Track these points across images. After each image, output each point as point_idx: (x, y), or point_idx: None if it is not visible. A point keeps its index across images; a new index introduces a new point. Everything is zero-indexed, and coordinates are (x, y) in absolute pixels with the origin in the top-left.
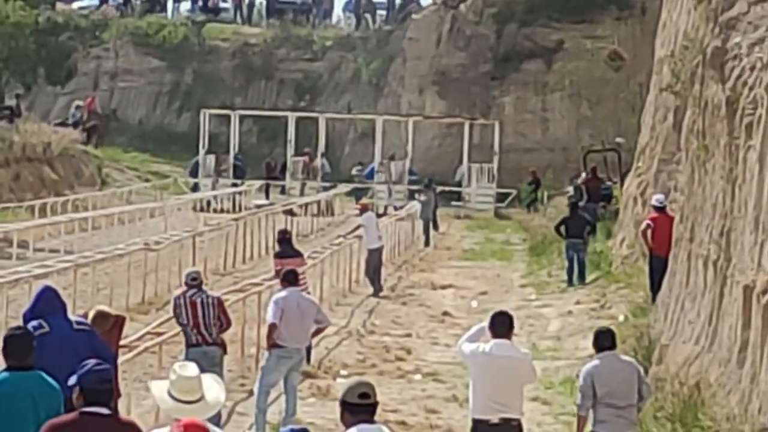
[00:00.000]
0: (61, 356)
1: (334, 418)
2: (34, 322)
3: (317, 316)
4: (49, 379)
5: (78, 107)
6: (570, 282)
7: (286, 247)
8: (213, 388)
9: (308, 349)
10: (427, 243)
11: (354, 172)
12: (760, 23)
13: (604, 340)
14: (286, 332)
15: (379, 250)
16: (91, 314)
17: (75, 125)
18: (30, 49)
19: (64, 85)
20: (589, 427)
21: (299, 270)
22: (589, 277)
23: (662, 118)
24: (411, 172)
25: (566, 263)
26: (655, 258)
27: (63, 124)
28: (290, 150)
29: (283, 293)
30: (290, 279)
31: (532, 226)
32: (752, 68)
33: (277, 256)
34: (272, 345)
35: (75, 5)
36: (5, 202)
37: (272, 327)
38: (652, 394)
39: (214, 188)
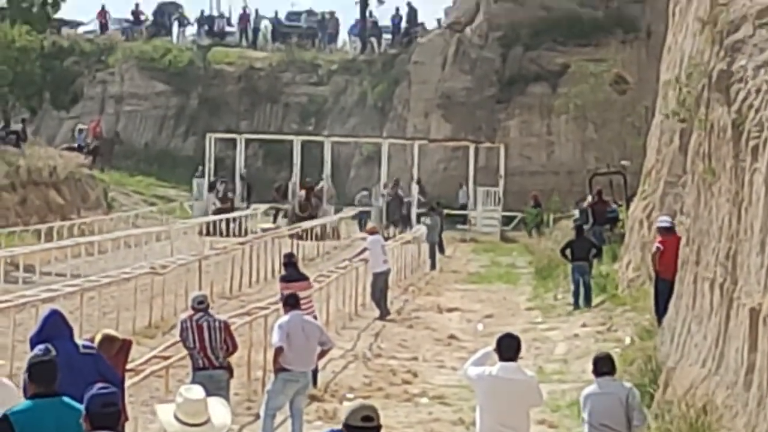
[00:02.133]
0: (67, 380)
1: None
2: (41, 346)
3: (321, 338)
4: (74, 404)
5: (81, 131)
6: (576, 305)
7: (292, 270)
8: (219, 411)
9: (314, 373)
10: (433, 266)
11: (358, 197)
12: (766, 46)
13: (603, 366)
14: (292, 355)
15: (386, 274)
16: (97, 338)
17: (80, 149)
18: (36, 73)
19: (70, 109)
20: None
21: (305, 293)
22: (595, 300)
23: (668, 141)
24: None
25: (572, 286)
26: (661, 281)
27: (71, 148)
28: (296, 173)
29: (286, 317)
30: (292, 303)
31: (537, 249)
32: (758, 91)
33: (283, 279)
34: (279, 369)
35: (81, 30)
36: (12, 226)
37: (279, 350)
38: (646, 421)
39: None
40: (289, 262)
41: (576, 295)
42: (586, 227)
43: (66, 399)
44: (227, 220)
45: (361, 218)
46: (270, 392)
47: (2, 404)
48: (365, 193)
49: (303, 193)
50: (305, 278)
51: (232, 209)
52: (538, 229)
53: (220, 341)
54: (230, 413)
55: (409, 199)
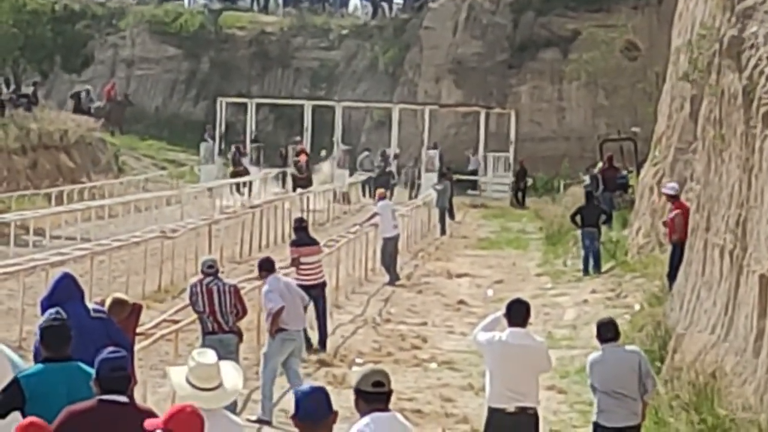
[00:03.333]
0: (78, 344)
1: (350, 406)
2: (52, 310)
3: (302, 294)
4: (85, 368)
5: (88, 92)
6: (586, 271)
7: (302, 235)
8: (231, 375)
9: (323, 338)
10: (443, 232)
11: (360, 158)
12: None
13: (606, 332)
14: (287, 315)
15: (395, 239)
16: (108, 302)
17: (88, 111)
18: (47, 37)
19: (81, 72)
20: (593, 417)
21: (315, 258)
22: (604, 266)
23: (679, 107)
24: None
25: (582, 252)
26: (676, 245)
27: (80, 109)
28: (307, 138)
29: (270, 281)
30: (268, 267)
31: (547, 215)
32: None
33: (294, 244)
34: (276, 330)
35: None
36: (22, 190)
37: (281, 310)
38: (656, 386)
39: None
40: (300, 226)
41: (586, 261)
42: (596, 193)
43: (77, 363)
44: (238, 185)
45: (365, 184)
46: (267, 354)
47: None
48: (367, 153)
49: (301, 157)
50: (315, 243)
51: (246, 173)
52: (522, 196)
53: (230, 305)
54: (242, 377)
55: (392, 170)
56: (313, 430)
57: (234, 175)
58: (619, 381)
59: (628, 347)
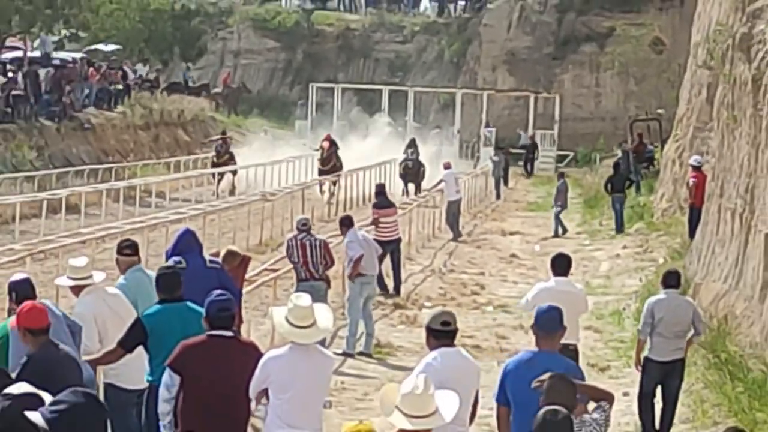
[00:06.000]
0: (194, 289)
1: (420, 342)
2: (175, 258)
3: (376, 246)
4: (196, 308)
5: (188, 68)
6: (618, 230)
7: (382, 198)
8: (324, 315)
9: (398, 284)
10: (498, 196)
11: (432, 134)
12: None
13: (671, 280)
14: (365, 262)
15: (458, 202)
16: (222, 252)
17: (203, 90)
18: (167, 31)
19: (195, 62)
20: (645, 352)
21: (392, 218)
22: (633, 227)
23: (697, 93)
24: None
25: (614, 214)
26: (695, 210)
27: (194, 90)
28: (385, 117)
29: (350, 234)
30: (348, 223)
31: (586, 183)
32: None
33: (375, 206)
34: (356, 275)
35: None
36: (146, 160)
37: (360, 257)
38: (706, 329)
39: None
40: (380, 191)
41: (617, 221)
42: (623, 166)
43: (189, 304)
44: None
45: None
46: (350, 298)
47: (118, 312)
48: (437, 131)
49: (323, 144)
50: (393, 205)
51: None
52: (531, 166)
53: (320, 257)
54: (332, 318)
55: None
56: (547, 340)
57: (215, 165)
58: (676, 321)
59: (685, 297)
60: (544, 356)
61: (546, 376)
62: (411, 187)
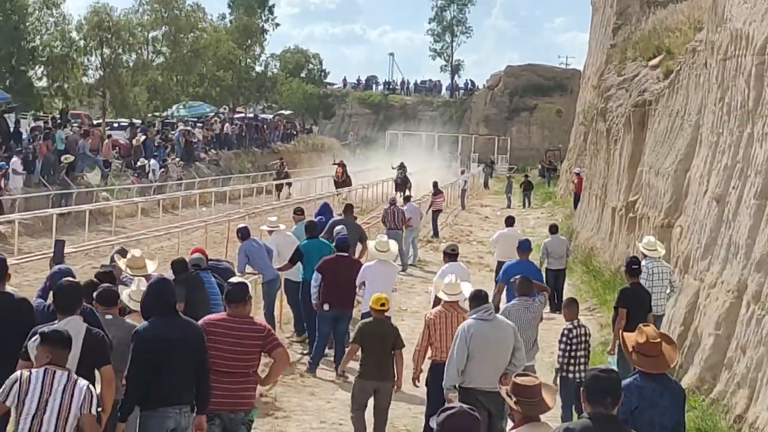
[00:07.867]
0: (330, 230)
1: (438, 264)
2: (318, 216)
3: (421, 212)
4: (327, 242)
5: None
6: (524, 205)
7: (436, 189)
8: (394, 245)
9: (435, 229)
10: (485, 186)
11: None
12: (622, 94)
13: (553, 229)
14: (413, 221)
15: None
16: (345, 204)
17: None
18: (315, 104)
19: (330, 119)
20: (545, 265)
21: (441, 198)
22: (545, 203)
23: (578, 137)
24: None
25: (524, 198)
26: (576, 195)
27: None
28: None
29: (408, 206)
30: (408, 198)
31: (521, 181)
32: (616, 116)
33: (433, 194)
34: (406, 226)
35: (335, 87)
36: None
37: (410, 219)
38: (572, 253)
39: None
40: (435, 184)
41: (523, 202)
42: (535, 173)
43: (320, 239)
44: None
45: None
46: (406, 238)
47: (284, 245)
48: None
49: (337, 170)
50: (441, 192)
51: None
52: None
53: (399, 220)
54: (397, 247)
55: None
56: (524, 256)
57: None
58: (558, 250)
59: (562, 237)
60: (524, 263)
61: (519, 276)
62: (400, 194)
